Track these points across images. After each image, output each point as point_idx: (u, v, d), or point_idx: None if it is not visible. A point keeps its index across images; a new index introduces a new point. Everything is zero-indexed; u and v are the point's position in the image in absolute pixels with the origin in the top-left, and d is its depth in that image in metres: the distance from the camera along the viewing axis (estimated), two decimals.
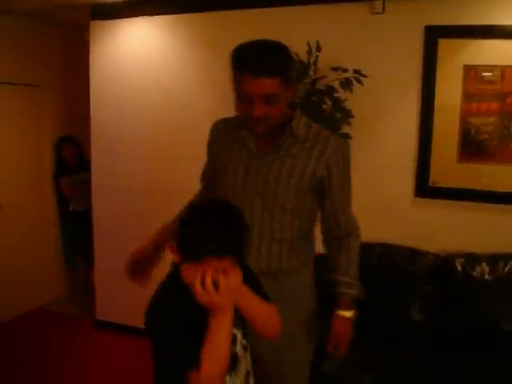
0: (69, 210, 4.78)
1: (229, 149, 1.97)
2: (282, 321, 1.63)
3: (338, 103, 3.13)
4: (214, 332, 1.37)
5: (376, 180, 3.36)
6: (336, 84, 3.10)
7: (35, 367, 3.70)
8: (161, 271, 1.67)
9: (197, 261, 1.34)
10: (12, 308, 4.39)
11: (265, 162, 1.89)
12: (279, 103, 1.76)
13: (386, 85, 3.25)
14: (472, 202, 3.16)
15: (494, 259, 2.95)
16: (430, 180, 3.24)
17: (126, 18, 3.87)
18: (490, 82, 3.04)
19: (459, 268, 2.96)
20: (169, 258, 1.57)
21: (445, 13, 3.06)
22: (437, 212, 3.26)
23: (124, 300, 4.16)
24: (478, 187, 3.14)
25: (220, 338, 1.38)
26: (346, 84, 3.05)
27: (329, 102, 3.15)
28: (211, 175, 2.13)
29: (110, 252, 4.20)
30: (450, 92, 3.12)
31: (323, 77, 3.15)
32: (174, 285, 1.43)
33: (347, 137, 3.15)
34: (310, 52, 3.09)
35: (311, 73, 3.14)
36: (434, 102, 3.15)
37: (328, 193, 1.95)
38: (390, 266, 3.11)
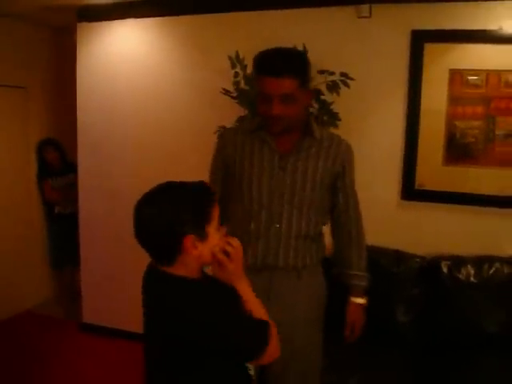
0: (54, 212, 4.76)
1: (249, 150, 2.06)
2: (303, 312, 1.97)
3: (324, 106, 3.14)
4: (248, 296, 1.55)
5: (362, 183, 3.34)
6: (323, 87, 3.10)
7: (22, 370, 3.67)
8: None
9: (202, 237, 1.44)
10: None
11: (289, 161, 2.03)
12: (296, 104, 1.91)
13: (373, 88, 3.26)
14: (458, 205, 3.18)
15: (480, 262, 2.97)
16: (416, 183, 3.25)
17: (113, 20, 3.86)
18: (475, 85, 3.06)
19: (445, 270, 2.98)
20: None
21: (431, 17, 3.09)
22: (423, 215, 3.28)
23: (110, 303, 4.15)
24: (464, 190, 3.16)
25: (255, 299, 1.56)
26: (333, 87, 3.06)
27: (315, 105, 3.16)
28: (223, 182, 2.17)
29: (97, 254, 4.19)
30: (435, 96, 3.14)
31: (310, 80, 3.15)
32: (190, 285, 1.47)
33: None
34: None
35: None
36: (419, 105, 3.17)
37: (342, 189, 2.16)
38: (376, 268, 3.06)
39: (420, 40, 3.12)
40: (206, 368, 1.44)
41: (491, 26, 2.97)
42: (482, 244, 3.09)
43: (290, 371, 2.12)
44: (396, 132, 3.26)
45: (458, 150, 3.15)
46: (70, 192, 4.63)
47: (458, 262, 3.00)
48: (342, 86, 3.06)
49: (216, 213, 1.48)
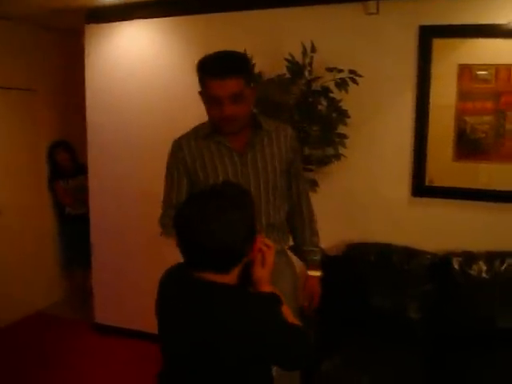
0: (65, 213, 4.80)
1: (209, 155, 2.12)
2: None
3: (333, 104, 3.14)
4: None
5: (372, 179, 3.36)
6: (331, 84, 3.11)
7: (34, 372, 3.69)
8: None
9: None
10: (10, 313, 4.38)
11: (248, 157, 2.10)
12: (245, 102, 1.99)
13: (381, 85, 3.25)
14: (468, 201, 3.17)
15: (491, 257, 2.95)
16: (427, 179, 3.24)
17: (120, 21, 3.87)
18: (485, 80, 3.05)
19: (456, 267, 2.97)
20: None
21: (439, 12, 3.07)
22: (433, 211, 3.27)
23: (122, 303, 4.16)
24: (474, 186, 3.14)
25: (285, 305, 1.57)
26: (342, 84, 3.06)
27: (324, 103, 3.16)
28: (188, 191, 2.20)
29: (108, 255, 4.20)
30: (444, 91, 3.12)
31: (318, 77, 3.16)
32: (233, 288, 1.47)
33: (344, 137, 3.17)
34: (304, 53, 3.10)
35: (306, 74, 3.15)
36: (429, 101, 3.16)
37: (295, 174, 2.27)
38: (387, 265, 3.11)
39: (428, 35, 3.11)
40: (250, 373, 1.45)
41: (500, 20, 2.95)
42: (494, 240, 3.08)
43: None
44: (405, 128, 3.25)
45: (468, 146, 3.13)
46: (81, 193, 4.66)
47: (469, 258, 2.98)
48: (350, 83, 3.05)
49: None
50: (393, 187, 3.33)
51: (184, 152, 2.16)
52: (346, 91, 3.07)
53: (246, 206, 1.46)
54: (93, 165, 4.20)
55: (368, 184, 3.38)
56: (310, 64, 3.13)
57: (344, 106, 3.14)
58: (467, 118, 3.11)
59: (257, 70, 3.06)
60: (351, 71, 3.04)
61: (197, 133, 2.17)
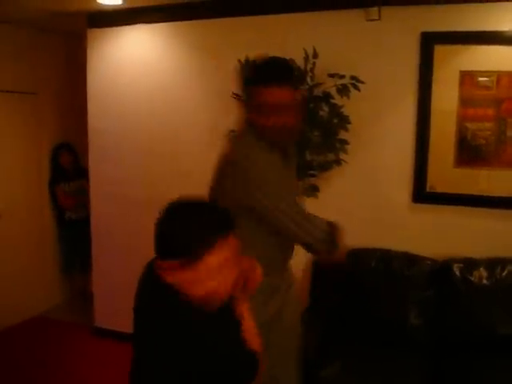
0: (65, 217, 4.80)
1: (277, 171, 1.95)
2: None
3: (335, 109, 3.15)
4: (248, 323, 1.48)
5: (373, 186, 3.36)
6: (333, 90, 3.11)
7: (34, 375, 3.68)
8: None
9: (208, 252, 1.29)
10: (10, 316, 4.38)
11: (292, 173, 2.09)
12: (299, 110, 1.94)
13: (383, 91, 3.26)
14: (469, 207, 3.17)
15: (492, 264, 2.95)
16: (428, 185, 3.24)
17: (123, 25, 3.88)
18: (486, 87, 3.05)
19: (457, 273, 2.96)
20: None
21: (440, 19, 3.08)
22: (434, 217, 3.27)
23: (122, 307, 4.14)
24: (475, 192, 3.14)
25: (253, 326, 1.49)
26: (343, 90, 3.07)
27: (326, 109, 3.16)
28: None
29: (109, 259, 4.20)
30: (446, 97, 3.13)
31: (320, 83, 3.16)
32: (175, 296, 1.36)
33: (345, 142, 3.17)
34: (306, 59, 3.11)
35: (308, 79, 3.15)
36: (430, 107, 3.16)
37: None
38: (387, 271, 3.11)
39: (430, 42, 3.12)
40: None
41: (502, 27, 2.96)
42: (494, 246, 3.08)
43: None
44: (407, 134, 3.25)
45: (469, 152, 3.13)
46: (82, 197, 4.67)
47: (469, 264, 2.98)
48: (352, 89, 3.06)
49: (226, 244, 1.31)
50: (394, 193, 3.33)
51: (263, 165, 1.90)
52: (348, 97, 3.08)
53: (216, 214, 1.37)
54: (94, 168, 4.20)
55: (369, 190, 3.38)
56: (312, 70, 3.14)
57: (345, 111, 3.14)
58: (468, 125, 3.11)
59: None
60: (353, 77, 3.05)
61: (258, 146, 1.91)
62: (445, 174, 3.21)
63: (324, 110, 3.17)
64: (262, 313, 1.68)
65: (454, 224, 3.21)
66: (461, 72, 3.08)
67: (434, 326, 2.98)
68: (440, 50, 3.11)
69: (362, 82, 3.04)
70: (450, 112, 3.13)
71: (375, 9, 3.14)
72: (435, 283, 3.03)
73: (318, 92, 3.17)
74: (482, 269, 2.94)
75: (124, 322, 4.11)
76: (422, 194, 3.26)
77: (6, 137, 4.41)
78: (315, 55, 3.11)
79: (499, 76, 3.01)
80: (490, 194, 3.12)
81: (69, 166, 4.79)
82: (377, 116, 3.31)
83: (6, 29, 4.20)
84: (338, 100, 3.13)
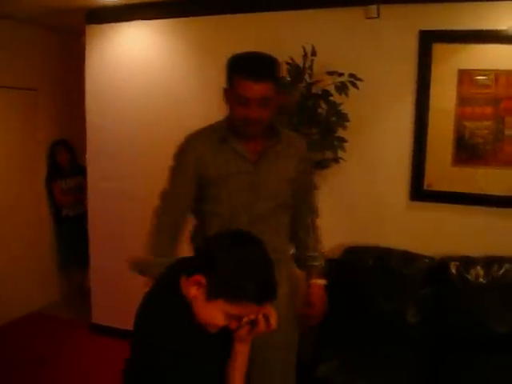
0: (62, 214, 4.80)
1: (223, 162, 2.06)
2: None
3: (333, 107, 3.14)
4: (239, 363, 1.48)
5: (371, 183, 3.37)
6: (331, 88, 3.11)
7: (31, 371, 3.68)
8: None
9: (233, 302, 1.33)
10: (7, 312, 4.38)
11: (262, 164, 2.07)
12: (270, 107, 1.97)
13: (381, 89, 3.26)
14: (467, 206, 3.18)
15: (489, 262, 2.96)
16: (425, 184, 3.25)
17: (121, 22, 3.87)
18: (484, 86, 3.05)
19: (454, 271, 2.97)
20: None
21: (439, 18, 3.08)
22: (432, 215, 3.27)
23: (120, 303, 4.15)
24: (473, 191, 3.15)
25: (243, 370, 1.49)
26: (342, 88, 3.07)
27: (324, 106, 3.16)
28: (192, 197, 2.15)
29: (106, 256, 4.20)
30: (444, 96, 3.13)
31: (319, 81, 3.16)
32: (176, 302, 1.40)
33: (343, 140, 3.17)
34: (305, 56, 3.11)
35: (307, 77, 3.15)
36: (428, 105, 3.17)
37: (306, 184, 2.25)
38: (385, 269, 3.11)
39: (428, 40, 3.12)
40: None
41: (500, 25, 2.96)
42: (492, 244, 3.08)
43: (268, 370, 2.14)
44: (405, 133, 3.25)
45: (467, 151, 3.14)
46: (79, 194, 4.67)
47: (467, 262, 2.99)
48: (350, 86, 3.06)
49: (246, 308, 1.35)
50: (391, 191, 3.34)
51: (197, 153, 2.08)
52: (346, 95, 3.08)
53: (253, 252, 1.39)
54: (92, 165, 4.20)
55: (367, 188, 3.38)
56: (311, 67, 3.14)
57: (344, 109, 3.14)
58: (466, 123, 3.12)
59: None
60: (351, 75, 3.05)
61: (213, 134, 2.10)
62: (442, 172, 3.21)
63: (322, 108, 3.17)
64: None
65: (452, 222, 3.22)
66: (459, 71, 3.08)
67: (431, 323, 2.98)
68: (438, 49, 3.11)
69: (361, 80, 3.03)
70: (448, 110, 3.13)
71: (374, 7, 3.14)
72: (432, 281, 3.04)
73: (316, 90, 3.17)
74: (479, 267, 2.95)
75: (121, 319, 4.15)
76: (419, 192, 3.27)
77: (3, 133, 4.39)
78: (314, 53, 3.11)
79: (497, 75, 3.01)
80: (488, 193, 3.12)
81: (66, 162, 4.79)
82: (375, 114, 3.31)
83: (6, 25, 4.19)
84: (336, 98, 3.13)
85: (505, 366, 2.64)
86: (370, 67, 3.22)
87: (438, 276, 3.03)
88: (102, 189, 4.15)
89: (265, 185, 2.07)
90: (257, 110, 1.92)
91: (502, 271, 2.92)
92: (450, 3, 3.04)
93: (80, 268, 4.82)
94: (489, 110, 3.06)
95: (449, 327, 2.94)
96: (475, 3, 3.00)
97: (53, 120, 4.86)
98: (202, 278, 1.33)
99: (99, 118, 4.08)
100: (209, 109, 3.65)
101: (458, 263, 2.99)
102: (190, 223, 2.25)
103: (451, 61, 3.09)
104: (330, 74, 3.10)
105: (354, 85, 3.05)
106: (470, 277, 2.94)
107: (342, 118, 3.14)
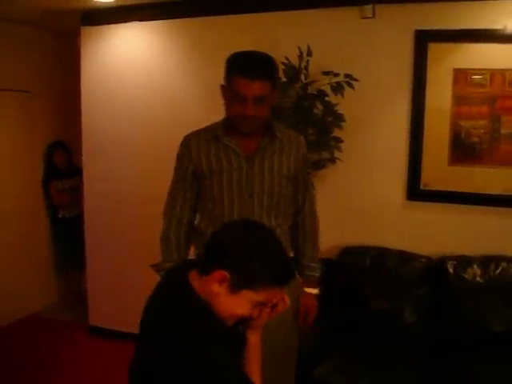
0: (58, 216, 4.79)
1: (216, 158, 2.10)
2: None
3: (329, 107, 3.14)
4: (253, 354, 1.47)
5: (367, 183, 3.37)
6: (327, 88, 3.11)
7: (28, 374, 3.67)
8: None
9: (260, 289, 1.33)
10: (4, 315, 4.36)
11: (256, 161, 2.10)
12: (267, 106, 2.01)
13: (377, 89, 3.26)
14: (463, 205, 3.18)
15: (486, 261, 2.96)
16: (422, 183, 3.25)
17: (117, 23, 3.86)
18: (480, 85, 3.06)
19: (451, 270, 2.97)
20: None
21: (434, 17, 3.08)
22: (428, 215, 3.27)
23: (117, 305, 4.15)
24: (469, 190, 3.15)
25: (258, 360, 1.49)
26: (337, 88, 3.07)
27: (320, 107, 3.16)
28: (193, 195, 2.21)
29: (103, 257, 4.19)
30: (440, 95, 3.13)
31: (314, 81, 3.16)
32: (191, 300, 1.37)
33: (339, 141, 3.17)
34: (300, 56, 3.11)
35: (302, 77, 3.15)
36: (424, 105, 3.17)
37: (302, 184, 2.26)
38: (382, 269, 3.12)
39: (424, 40, 3.12)
40: None
41: (495, 25, 2.96)
42: (488, 244, 3.09)
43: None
44: (401, 132, 3.25)
45: (463, 150, 3.14)
46: (75, 195, 4.67)
47: (464, 261, 2.99)
48: (346, 87, 3.06)
49: (271, 292, 1.36)
50: (388, 191, 3.34)
51: (192, 152, 2.14)
52: (342, 95, 3.08)
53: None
54: (87, 167, 4.19)
55: (363, 188, 3.38)
56: (306, 68, 3.14)
57: (339, 109, 3.14)
58: (462, 123, 3.12)
59: None
60: (347, 75, 3.05)
61: (207, 133, 2.15)
62: (439, 171, 3.22)
63: (318, 108, 3.17)
64: None
65: (448, 221, 3.22)
66: (455, 70, 3.09)
67: (428, 323, 2.98)
68: (434, 48, 3.12)
69: (356, 80, 3.03)
70: (444, 110, 3.13)
71: (369, 6, 3.14)
72: (430, 281, 3.04)
73: (312, 90, 3.17)
74: (475, 266, 2.95)
75: (118, 321, 4.14)
76: (416, 192, 3.27)
77: (0, 135, 4.38)
78: (309, 53, 3.11)
79: (493, 74, 3.02)
80: (484, 192, 3.12)
81: (62, 164, 4.78)
82: (371, 114, 3.31)
83: (0, 27, 4.17)
84: (332, 98, 3.13)
85: (502, 365, 2.64)
86: (366, 67, 3.22)
87: (435, 275, 3.03)
88: (98, 190, 4.14)
89: (259, 181, 2.09)
90: (253, 107, 1.95)
91: (498, 270, 2.92)
92: (445, 3, 3.04)
93: (77, 270, 4.80)
94: (484, 109, 3.06)
95: (446, 326, 2.94)
96: (470, 3, 3.00)
97: (49, 121, 4.84)
98: (224, 273, 1.30)
99: (95, 119, 4.07)
100: (205, 110, 3.65)
101: (454, 262, 2.99)
102: None
103: (447, 60, 3.10)
104: (326, 74, 3.10)
105: (350, 85, 3.05)
106: (467, 276, 2.94)
107: (338, 118, 3.14)
